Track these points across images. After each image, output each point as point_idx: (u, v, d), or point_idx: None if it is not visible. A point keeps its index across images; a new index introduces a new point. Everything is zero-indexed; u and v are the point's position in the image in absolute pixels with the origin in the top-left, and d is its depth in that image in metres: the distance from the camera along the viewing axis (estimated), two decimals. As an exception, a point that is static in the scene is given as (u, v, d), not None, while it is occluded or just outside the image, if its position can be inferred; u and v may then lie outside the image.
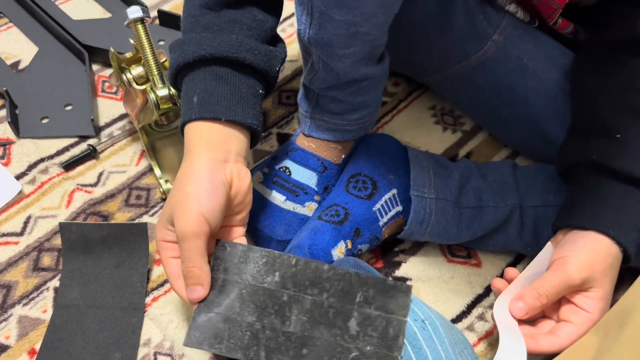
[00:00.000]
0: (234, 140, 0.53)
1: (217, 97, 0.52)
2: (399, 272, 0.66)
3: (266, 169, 0.67)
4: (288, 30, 0.91)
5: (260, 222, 0.64)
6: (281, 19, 0.62)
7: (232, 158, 0.52)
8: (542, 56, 0.67)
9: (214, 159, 0.51)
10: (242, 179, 0.52)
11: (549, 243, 0.52)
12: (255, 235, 0.65)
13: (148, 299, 0.62)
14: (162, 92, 0.62)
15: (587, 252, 0.50)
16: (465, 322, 0.63)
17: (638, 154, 0.53)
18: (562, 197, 0.59)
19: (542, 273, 0.51)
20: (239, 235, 0.54)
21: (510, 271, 0.53)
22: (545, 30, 0.68)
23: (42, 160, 0.72)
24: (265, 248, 0.51)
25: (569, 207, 0.55)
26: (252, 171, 0.67)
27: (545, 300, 0.49)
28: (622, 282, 0.58)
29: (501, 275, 0.66)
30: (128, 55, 0.67)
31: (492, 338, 0.62)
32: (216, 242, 0.52)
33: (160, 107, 0.63)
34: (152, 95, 0.62)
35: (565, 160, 0.59)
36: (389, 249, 0.67)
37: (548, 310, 0.53)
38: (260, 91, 0.56)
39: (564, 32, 0.66)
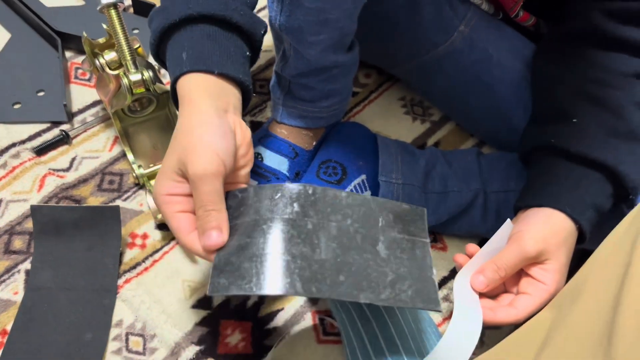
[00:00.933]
0: (229, 93, 0.51)
1: (207, 53, 0.50)
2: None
3: (239, 155, 0.68)
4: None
5: (232, 206, 0.65)
6: (255, 9, 0.64)
7: (231, 110, 0.50)
8: (505, 47, 0.69)
9: (217, 107, 0.48)
10: (244, 131, 0.51)
11: (508, 220, 0.54)
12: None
13: (120, 281, 0.62)
14: (135, 77, 0.63)
15: (542, 226, 0.53)
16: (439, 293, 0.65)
17: (592, 137, 0.56)
18: (522, 183, 0.62)
19: (501, 248, 0.53)
20: None
21: (471, 247, 0.55)
22: (509, 23, 0.71)
23: (13, 145, 0.72)
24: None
25: (528, 188, 0.57)
26: (225, 157, 0.69)
27: (503, 273, 0.52)
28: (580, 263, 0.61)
29: (465, 258, 0.69)
30: (101, 40, 0.67)
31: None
32: (226, 194, 0.48)
33: (134, 92, 0.63)
34: (125, 80, 0.63)
35: (526, 145, 0.61)
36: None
37: (508, 284, 0.55)
38: (248, 53, 0.54)
39: (526, 24, 0.69)
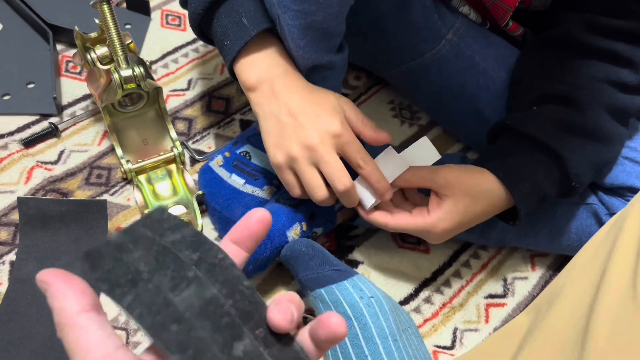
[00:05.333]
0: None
1: (264, 12, 0.54)
2: (352, 256, 0.69)
3: (227, 153, 0.69)
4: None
5: (219, 204, 0.66)
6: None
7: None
8: (492, 56, 0.71)
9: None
10: None
11: (424, 137, 0.58)
12: (214, 216, 0.67)
13: (105, 275, 0.63)
14: (126, 72, 0.63)
15: (465, 170, 0.56)
16: (412, 304, 0.66)
17: (546, 124, 0.58)
18: None
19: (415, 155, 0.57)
20: None
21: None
22: (497, 32, 0.72)
23: (1, 136, 0.72)
24: (192, 226, 0.42)
25: (477, 158, 0.61)
26: (214, 155, 0.69)
27: (409, 177, 0.56)
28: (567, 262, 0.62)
29: (448, 262, 0.70)
30: (93, 35, 0.67)
31: (436, 320, 0.65)
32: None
33: (124, 87, 0.64)
34: (116, 76, 0.63)
35: (489, 132, 0.63)
36: (343, 234, 0.70)
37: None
38: None
39: (514, 34, 0.70)
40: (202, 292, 0.34)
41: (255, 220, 0.33)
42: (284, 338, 0.35)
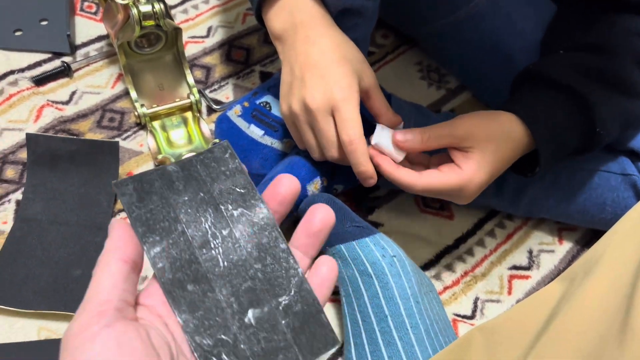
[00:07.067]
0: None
1: None
2: (372, 218, 0.66)
3: (246, 103, 0.65)
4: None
5: (236, 154, 0.63)
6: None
7: None
8: (531, 14, 0.66)
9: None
10: None
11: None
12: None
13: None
14: (145, 7, 0.60)
15: (482, 116, 0.52)
16: (433, 271, 0.63)
17: (570, 70, 0.54)
18: None
19: None
20: None
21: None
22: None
23: (12, 72, 0.69)
24: (247, 175, 0.37)
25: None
26: (232, 105, 0.66)
27: (427, 137, 0.50)
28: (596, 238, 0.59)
29: (472, 230, 0.67)
30: (112, -32, 0.64)
31: (457, 288, 0.62)
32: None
33: (143, 24, 0.60)
34: (134, 11, 0.60)
35: (514, 82, 0.60)
36: (363, 194, 0.67)
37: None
38: None
39: (559, -8, 0.66)
40: (231, 253, 0.34)
41: (285, 187, 0.34)
42: (312, 309, 0.33)
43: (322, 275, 0.34)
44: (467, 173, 0.49)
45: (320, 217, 0.33)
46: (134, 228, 0.31)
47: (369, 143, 0.51)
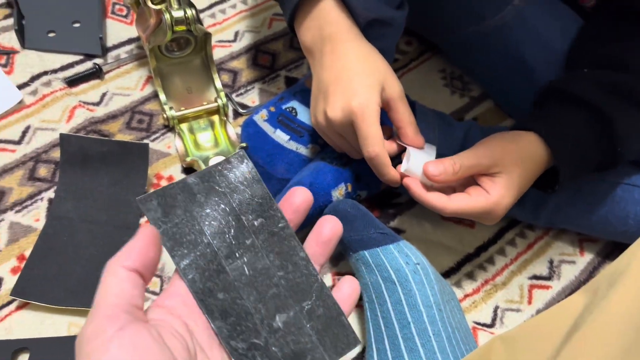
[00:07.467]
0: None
1: None
2: (393, 224, 0.66)
3: (272, 107, 0.66)
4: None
5: (262, 158, 0.64)
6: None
7: None
8: (557, 27, 0.67)
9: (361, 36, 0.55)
10: None
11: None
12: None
13: (142, 220, 0.61)
14: (178, 13, 0.61)
15: (506, 141, 0.52)
16: (454, 278, 0.64)
17: (592, 86, 0.54)
18: None
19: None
20: None
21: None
22: (564, 1, 0.68)
23: (45, 73, 0.70)
24: (264, 185, 0.37)
25: (517, 122, 0.57)
26: (258, 109, 0.67)
27: (458, 167, 0.50)
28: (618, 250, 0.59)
29: (493, 239, 0.67)
30: (145, -26, 0.65)
31: (477, 296, 0.63)
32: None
33: (174, 29, 0.62)
34: (166, 16, 0.61)
35: (536, 97, 0.60)
36: (386, 200, 0.68)
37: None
38: None
39: (587, 5, 0.66)
40: (255, 261, 0.36)
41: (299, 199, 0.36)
42: (333, 312, 0.35)
43: (343, 293, 0.36)
44: (494, 197, 0.50)
45: (330, 226, 0.35)
46: (162, 243, 0.32)
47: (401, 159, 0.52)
